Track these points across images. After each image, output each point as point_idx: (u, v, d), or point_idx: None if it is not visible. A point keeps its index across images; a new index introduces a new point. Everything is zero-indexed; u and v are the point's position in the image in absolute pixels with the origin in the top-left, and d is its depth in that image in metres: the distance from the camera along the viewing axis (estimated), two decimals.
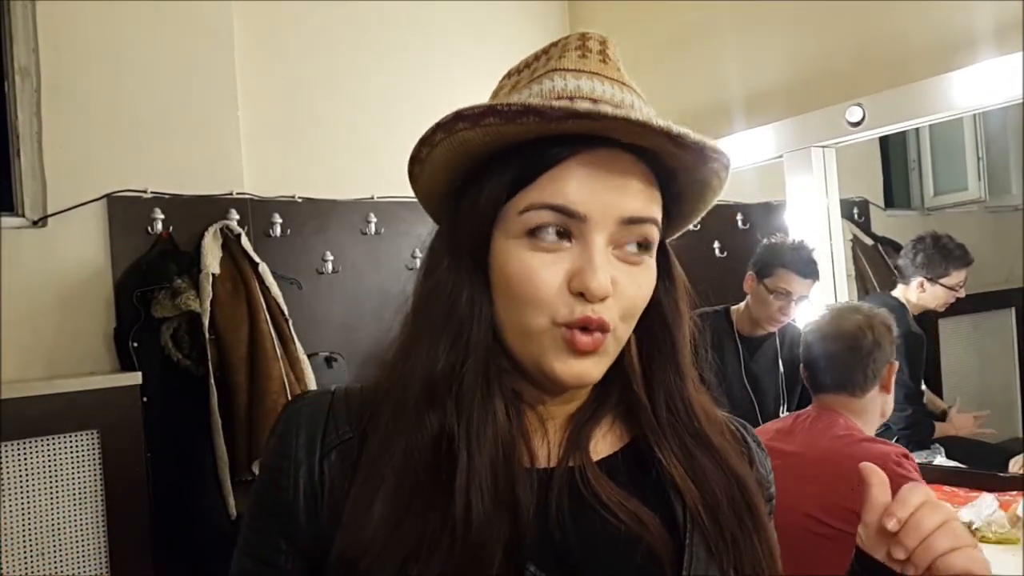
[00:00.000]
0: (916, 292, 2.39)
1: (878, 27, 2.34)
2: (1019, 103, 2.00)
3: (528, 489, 0.61)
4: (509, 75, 0.70)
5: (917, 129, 2.53)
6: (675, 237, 0.74)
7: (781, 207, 2.62)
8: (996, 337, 2.94)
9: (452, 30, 3.17)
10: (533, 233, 0.61)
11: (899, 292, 2.45)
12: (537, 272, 0.60)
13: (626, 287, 0.62)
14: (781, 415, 2.19)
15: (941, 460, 2.33)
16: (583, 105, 0.57)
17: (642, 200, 0.62)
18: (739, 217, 3.19)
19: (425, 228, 2.74)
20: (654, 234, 0.64)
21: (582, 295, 0.60)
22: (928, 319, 2.49)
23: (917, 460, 2.33)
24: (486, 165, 0.63)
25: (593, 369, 0.63)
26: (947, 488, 2.15)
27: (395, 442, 0.62)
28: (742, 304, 2.29)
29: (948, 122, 2.29)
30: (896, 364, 1.64)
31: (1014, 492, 2.02)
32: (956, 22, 2.14)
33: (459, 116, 0.60)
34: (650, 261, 0.65)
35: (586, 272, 0.60)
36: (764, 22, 2.68)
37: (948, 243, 2.39)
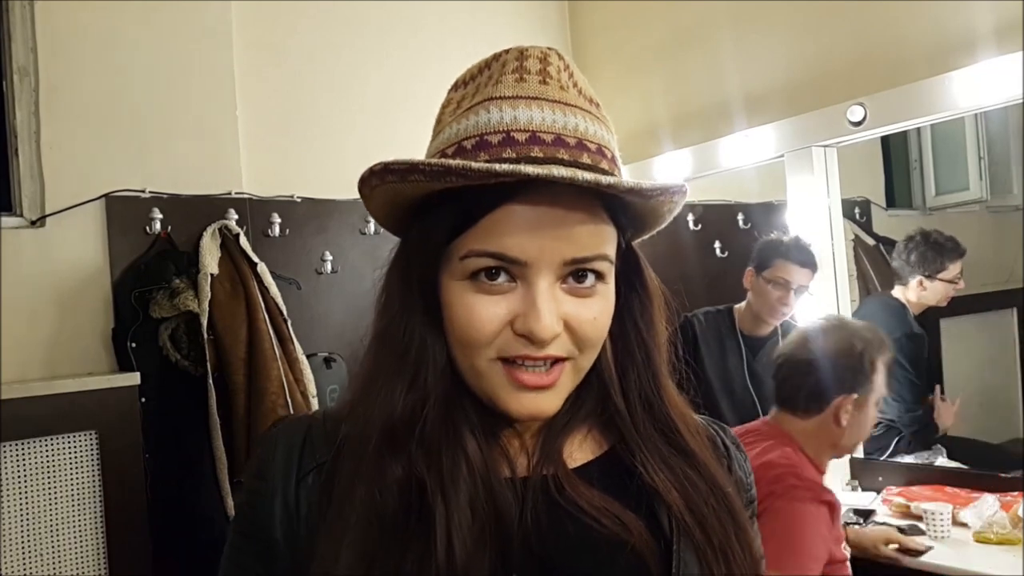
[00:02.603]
0: (916, 291, 2.39)
1: (880, 27, 2.33)
2: (1020, 103, 1.99)
3: (510, 504, 0.61)
4: (456, 87, 0.67)
5: (919, 129, 2.52)
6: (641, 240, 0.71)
7: (782, 207, 2.61)
8: (997, 337, 2.94)
9: (451, 30, 3.16)
10: (475, 276, 0.60)
11: (898, 293, 2.44)
12: (479, 313, 0.60)
13: (580, 321, 0.61)
14: None
15: (943, 461, 2.32)
16: (504, 166, 0.55)
17: (588, 239, 0.60)
18: (740, 217, 3.18)
19: None
20: (606, 267, 0.62)
21: (526, 337, 0.59)
22: (930, 319, 2.48)
23: (919, 460, 2.34)
24: (426, 206, 0.62)
25: (547, 403, 0.62)
26: (949, 489, 2.15)
27: (356, 489, 0.60)
28: (744, 303, 2.29)
29: (950, 122, 2.28)
30: (856, 399, 1.49)
31: (1015, 493, 2.02)
32: (957, 22, 2.13)
33: (387, 170, 0.59)
34: (605, 288, 0.63)
35: (530, 316, 0.58)
36: (765, 21, 2.67)
37: (938, 238, 2.39)
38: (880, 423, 2.37)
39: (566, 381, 0.62)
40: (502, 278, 0.60)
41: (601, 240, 0.61)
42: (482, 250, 0.59)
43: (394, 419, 0.61)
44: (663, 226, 0.70)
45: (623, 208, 0.64)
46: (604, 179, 0.57)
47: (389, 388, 0.62)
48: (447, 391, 0.62)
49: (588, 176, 0.56)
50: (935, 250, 2.37)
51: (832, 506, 1.43)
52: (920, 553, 1.77)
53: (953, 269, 2.36)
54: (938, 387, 2.50)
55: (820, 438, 1.52)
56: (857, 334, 1.52)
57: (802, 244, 2.21)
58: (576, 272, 0.61)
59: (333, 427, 0.66)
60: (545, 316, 0.58)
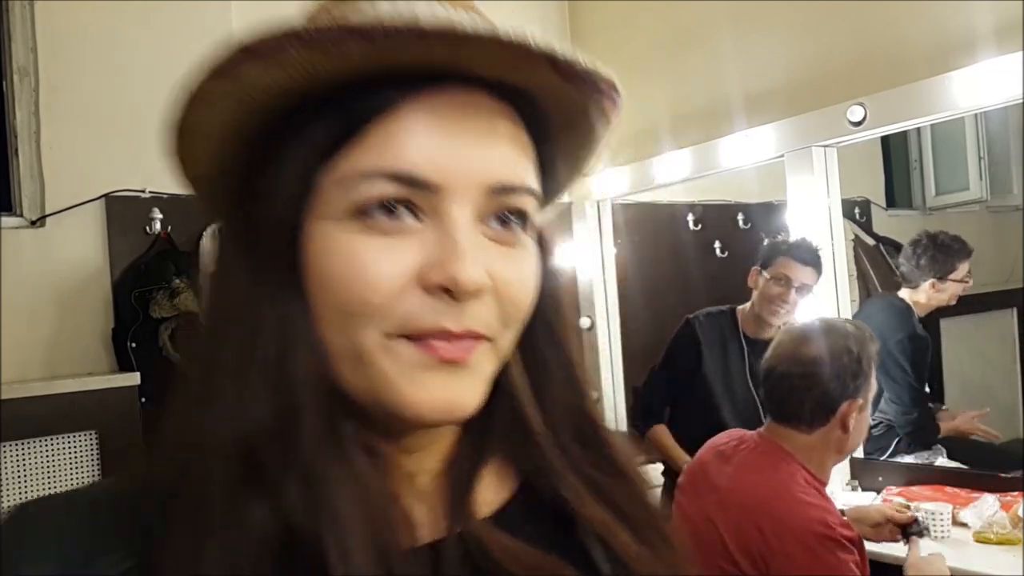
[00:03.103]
0: (928, 293, 2.39)
1: (879, 27, 2.33)
2: (1020, 103, 1.99)
3: None
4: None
5: (919, 129, 2.53)
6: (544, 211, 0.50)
7: (782, 207, 2.61)
8: (997, 337, 2.94)
9: None
10: (364, 212, 0.41)
11: (905, 295, 2.44)
12: (370, 265, 0.41)
13: (506, 279, 0.44)
14: None
15: (943, 461, 2.32)
16: (428, 19, 0.38)
17: (516, 159, 0.45)
18: (740, 217, 3.18)
19: None
20: (532, 209, 0.46)
21: (445, 293, 0.41)
22: (930, 320, 2.49)
23: (919, 460, 2.34)
24: (286, 125, 0.43)
25: (465, 392, 0.44)
26: (949, 489, 2.15)
27: (205, 548, 0.39)
28: (747, 304, 2.29)
29: (950, 122, 2.29)
30: (860, 403, 1.41)
31: (1015, 493, 2.02)
32: (957, 22, 2.13)
33: (247, 51, 0.40)
34: (529, 242, 0.46)
35: (450, 260, 0.41)
36: (765, 21, 2.67)
37: (945, 239, 2.40)
38: (880, 423, 2.37)
39: (485, 365, 0.45)
40: (404, 215, 0.42)
41: (532, 167, 0.46)
42: (376, 169, 0.41)
43: (249, 435, 0.41)
44: (576, 179, 0.54)
45: (541, 136, 0.47)
46: (561, 48, 0.41)
47: (237, 391, 0.42)
48: (325, 391, 0.43)
49: (543, 42, 0.41)
50: (944, 252, 2.38)
51: (857, 545, 1.38)
52: (912, 531, 1.69)
53: (962, 268, 2.38)
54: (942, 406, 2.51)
55: (826, 449, 1.44)
56: (848, 335, 1.44)
57: (807, 243, 2.21)
58: (498, 215, 0.44)
59: (128, 511, 0.43)
60: (469, 256, 0.41)
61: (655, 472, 2.56)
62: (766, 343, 2.27)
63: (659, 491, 2.38)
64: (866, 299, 2.78)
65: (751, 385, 2.22)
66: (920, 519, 1.72)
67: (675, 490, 1.60)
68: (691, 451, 2.18)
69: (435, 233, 0.42)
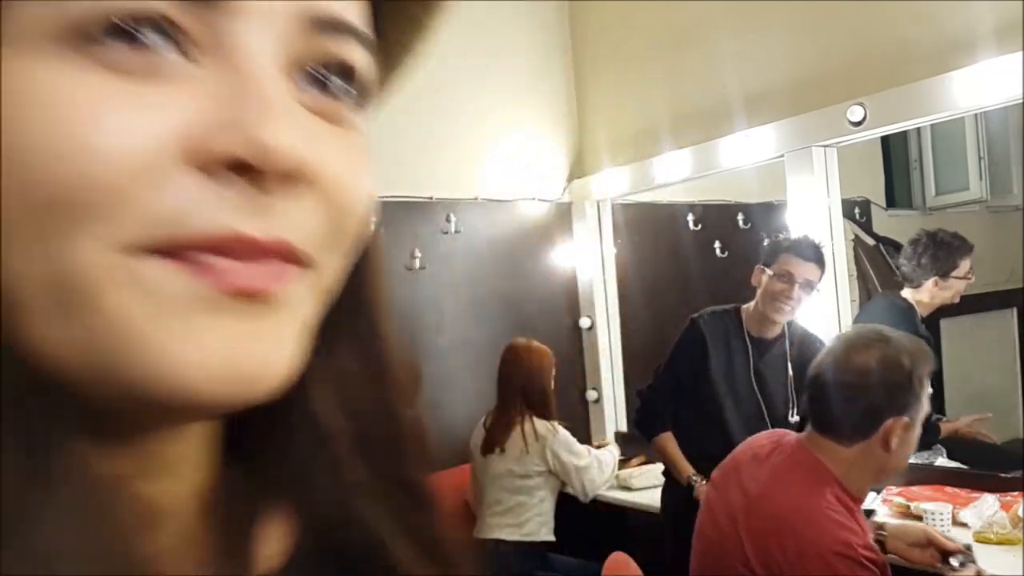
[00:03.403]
0: (931, 292, 2.38)
1: (879, 26, 2.33)
2: (1020, 103, 1.99)
3: None
4: None
5: (918, 129, 2.53)
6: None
7: (782, 207, 2.61)
8: (997, 337, 2.95)
9: (450, 31, 3.12)
10: (88, 37, 0.23)
11: (908, 294, 2.43)
12: (101, 122, 0.23)
13: (336, 171, 0.27)
14: (791, 419, 2.18)
15: (943, 461, 2.32)
16: None
17: None
18: (740, 217, 3.19)
19: (426, 228, 2.76)
20: (364, 65, 0.29)
21: (239, 173, 0.24)
22: (931, 320, 2.49)
23: (919, 460, 2.34)
24: None
25: (273, 348, 0.26)
26: (948, 489, 2.15)
27: None
28: (751, 303, 2.28)
29: (949, 122, 2.29)
30: (906, 421, 1.33)
31: (1015, 493, 2.02)
32: (957, 22, 2.13)
33: None
34: (362, 126, 0.30)
35: (250, 116, 0.24)
36: (765, 21, 2.67)
37: (945, 237, 2.39)
38: None
39: (302, 305, 0.28)
40: (160, 46, 0.24)
41: (360, 6, 0.29)
42: None
43: None
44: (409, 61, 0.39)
45: None
46: None
47: None
48: (6, 364, 0.24)
49: None
50: (945, 249, 2.38)
51: (880, 567, 1.35)
52: (957, 560, 1.52)
53: (964, 265, 2.37)
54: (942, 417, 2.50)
55: (864, 466, 1.37)
56: (904, 349, 1.36)
57: (809, 240, 2.20)
58: (315, 73, 0.27)
59: None
60: (282, 112, 0.25)
61: (655, 472, 2.57)
62: (770, 342, 2.28)
63: (659, 491, 2.38)
64: (867, 300, 2.78)
65: (754, 384, 2.22)
66: (970, 551, 1.55)
67: (708, 484, 1.61)
68: (693, 451, 2.19)
69: (219, 79, 0.25)
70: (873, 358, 1.33)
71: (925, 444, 2.38)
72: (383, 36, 0.33)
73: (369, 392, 0.35)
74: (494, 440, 2.54)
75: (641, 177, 3.11)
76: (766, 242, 2.30)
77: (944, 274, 2.37)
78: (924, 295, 2.40)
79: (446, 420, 3.00)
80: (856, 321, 2.45)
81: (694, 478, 2.14)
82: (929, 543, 1.54)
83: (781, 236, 2.31)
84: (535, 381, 2.58)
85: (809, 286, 2.12)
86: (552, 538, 2.52)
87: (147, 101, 0.24)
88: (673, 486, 2.28)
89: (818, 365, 1.42)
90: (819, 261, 2.14)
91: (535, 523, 2.51)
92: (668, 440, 2.26)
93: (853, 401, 1.33)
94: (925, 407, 1.37)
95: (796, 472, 1.39)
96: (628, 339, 3.35)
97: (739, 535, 1.38)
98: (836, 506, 1.33)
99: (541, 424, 2.54)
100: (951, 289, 2.39)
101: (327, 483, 0.34)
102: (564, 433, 2.56)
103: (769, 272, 2.14)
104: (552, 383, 2.63)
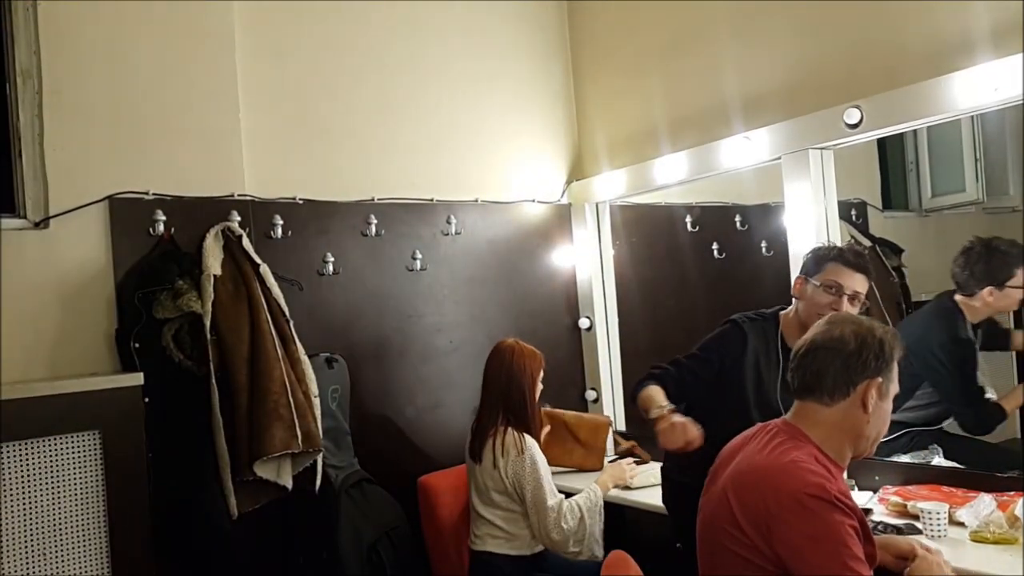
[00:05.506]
0: (984, 300, 2.31)
1: (876, 29, 2.35)
2: (1017, 105, 2.01)
3: None
4: None
5: (915, 131, 2.54)
6: None
7: (779, 209, 2.63)
8: None
9: (451, 32, 3.18)
10: None
11: (959, 297, 2.37)
12: None
13: None
14: None
15: (939, 460, 2.34)
16: None
17: None
18: (737, 218, 3.20)
19: (427, 229, 2.79)
20: None
21: None
22: None
23: (915, 460, 2.35)
24: None
25: None
26: (945, 488, 2.16)
27: None
28: (790, 309, 2.16)
29: (946, 124, 2.30)
30: (880, 382, 1.49)
31: (1012, 492, 2.03)
32: (954, 24, 2.15)
33: None
34: None
35: None
36: (762, 24, 2.69)
37: (1001, 245, 2.30)
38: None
39: None
40: None
41: None
42: None
43: None
44: None
45: None
46: None
47: None
48: None
49: None
50: (1002, 259, 2.28)
51: (858, 515, 1.42)
52: None
53: (1020, 275, 2.27)
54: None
55: (844, 428, 1.51)
56: (877, 326, 1.55)
57: (856, 249, 2.09)
58: None
59: None
60: None
61: (655, 471, 2.57)
62: None
63: (659, 491, 2.38)
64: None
65: (779, 394, 2.08)
66: None
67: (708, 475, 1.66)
68: (710, 452, 2.03)
69: None
70: (848, 329, 1.52)
71: (921, 443, 2.39)
72: None
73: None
74: (474, 448, 2.45)
75: (639, 179, 3.12)
76: (808, 252, 2.14)
77: (1000, 284, 2.28)
78: (977, 302, 2.33)
79: (446, 420, 3.01)
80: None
81: (661, 407, 1.96)
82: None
83: (825, 244, 2.18)
84: (515, 385, 2.43)
85: (857, 299, 2.01)
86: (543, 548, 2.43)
87: None
88: (672, 486, 2.28)
89: (802, 341, 1.58)
90: (867, 271, 2.03)
91: (523, 540, 2.39)
92: (654, 389, 2.05)
93: (831, 362, 1.50)
94: (895, 383, 1.54)
95: (779, 440, 1.54)
96: (627, 339, 3.36)
97: (730, 505, 1.49)
98: (812, 463, 1.46)
99: (511, 437, 2.37)
100: (1009, 298, 2.29)
101: None
102: (533, 455, 2.36)
103: (814, 282, 2.03)
104: (536, 389, 2.50)
